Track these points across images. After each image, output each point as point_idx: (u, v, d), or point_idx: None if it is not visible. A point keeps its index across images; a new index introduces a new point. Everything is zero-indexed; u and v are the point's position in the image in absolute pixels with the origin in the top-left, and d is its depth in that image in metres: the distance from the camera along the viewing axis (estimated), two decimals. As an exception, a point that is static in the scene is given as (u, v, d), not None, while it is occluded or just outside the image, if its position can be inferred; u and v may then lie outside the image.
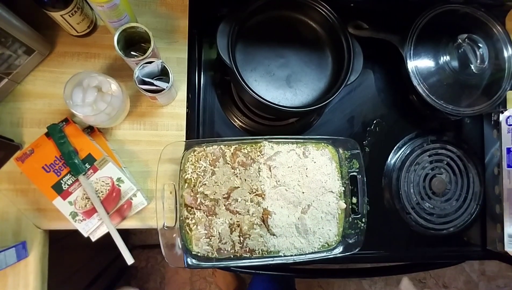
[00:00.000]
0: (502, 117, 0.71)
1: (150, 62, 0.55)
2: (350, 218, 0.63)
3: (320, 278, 0.73)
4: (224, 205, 0.60)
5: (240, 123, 0.71)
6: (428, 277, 1.62)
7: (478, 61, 0.62)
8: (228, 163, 0.61)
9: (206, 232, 0.59)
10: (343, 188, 0.63)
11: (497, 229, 0.70)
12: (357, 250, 0.60)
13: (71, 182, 0.57)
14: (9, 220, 0.59)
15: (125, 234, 0.57)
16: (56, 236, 0.64)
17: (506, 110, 0.70)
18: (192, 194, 0.59)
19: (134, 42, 0.61)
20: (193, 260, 0.59)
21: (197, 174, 0.60)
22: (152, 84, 0.56)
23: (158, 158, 0.59)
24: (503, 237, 0.68)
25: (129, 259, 0.57)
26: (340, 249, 0.62)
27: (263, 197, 0.60)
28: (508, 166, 0.68)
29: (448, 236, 0.74)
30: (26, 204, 0.60)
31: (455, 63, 0.64)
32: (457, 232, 0.74)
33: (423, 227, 0.72)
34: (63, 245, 0.75)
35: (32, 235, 0.60)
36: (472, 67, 0.62)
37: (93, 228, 0.58)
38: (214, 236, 0.59)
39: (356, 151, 0.63)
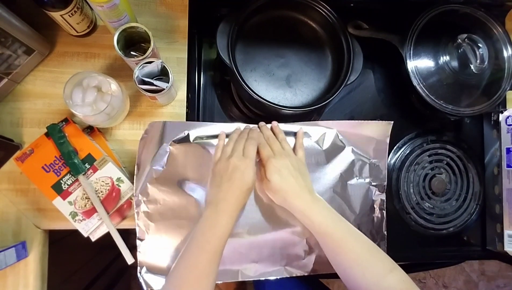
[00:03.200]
0: (501, 117, 0.71)
1: (150, 62, 0.55)
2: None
3: (320, 278, 0.73)
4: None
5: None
6: (428, 277, 1.62)
7: (478, 61, 0.62)
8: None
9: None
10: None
11: (497, 229, 0.70)
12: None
13: (71, 182, 0.57)
14: (9, 220, 0.59)
15: (125, 234, 0.57)
16: (56, 236, 0.64)
17: (505, 110, 0.70)
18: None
19: (134, 42, 0.61)
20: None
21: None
22: (152, 84, 0.56)
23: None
24: (503, 237, 0.68)
25: (129, 259, 0.57)
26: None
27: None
28: (508, 166, 0.69)
29: (448, 236, 0.74)
30: (26, 204, 0.60)
31: (455, 63, 0.64)
32: (457, 232, 0.74)
33: (422, 227, 0.72)
34: (63, 245, 0.75)
35: (32, 235, 0.60)
36: (472, 67, 0.63)
37: (93, 228, 0.58)
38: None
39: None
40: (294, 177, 0.54)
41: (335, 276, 0.57)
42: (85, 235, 0.58)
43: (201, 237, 0.51)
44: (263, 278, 0.58)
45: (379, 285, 0.48)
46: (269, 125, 0.61)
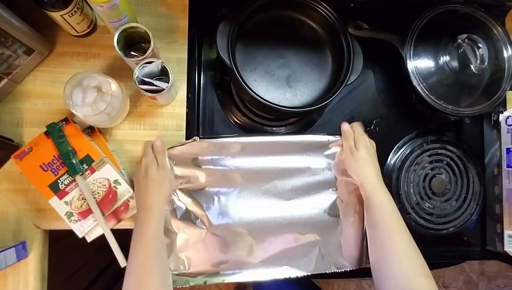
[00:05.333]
0: (501, 117, 0.71)
1: (150, 62, 0.55)
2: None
3: (320, 278, 0.73)
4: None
5: (240, 123, 0.71)
6: (428, 277, 1.62)
7: (478, 61, 0.62)
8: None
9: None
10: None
11: (497, 229, 0.70)
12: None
13: (68, 182, 0.57)
14: (9, 220, 0.59)
15: (124, 234, 0.58)
16: (56, 236, 0.64)
17: (505, 110, 0.70)
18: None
19: (134, 42, 0.61)
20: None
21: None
22: (152, 84, 0.56)
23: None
24: (503, 237, 0.68)
25: (122, 262, 0.56)
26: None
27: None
28: (508, 166, 0.68)
29: (448, 236, 0.74)
30: (26, 204, 0.60)
31: (455, 63, 0.64)
32: (457, 232, 0.74)
33: (423, 227, 0.72)
34: (63, 245, 0.75)
35: (32, 235, 0.60)
36: (472, 67, 0.62)
37: (88, 229, 0.57)
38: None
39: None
40: (376, 159, 0.61)
41: (335, 276, 0.57)
42: (80, 235, 0.57)
43: (136, 236, 0.53)
44: (264, 280, 0.58)
45: (411, 281, 0.49)
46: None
